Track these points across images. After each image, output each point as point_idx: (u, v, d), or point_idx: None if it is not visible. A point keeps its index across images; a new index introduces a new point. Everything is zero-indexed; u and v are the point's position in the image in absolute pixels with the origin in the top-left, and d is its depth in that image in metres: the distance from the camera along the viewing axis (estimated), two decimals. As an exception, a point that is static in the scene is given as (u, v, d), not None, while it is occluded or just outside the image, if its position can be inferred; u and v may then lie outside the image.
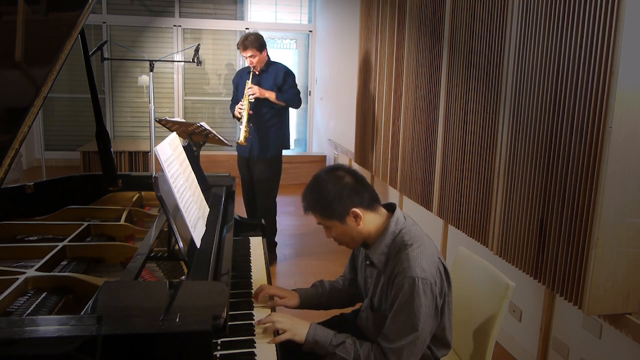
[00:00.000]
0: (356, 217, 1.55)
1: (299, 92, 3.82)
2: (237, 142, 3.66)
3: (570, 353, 2.32)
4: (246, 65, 3.79)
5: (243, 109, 3.65)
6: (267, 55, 3.79)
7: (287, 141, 3.92)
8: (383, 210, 1.63)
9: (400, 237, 1.57)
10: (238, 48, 3.71)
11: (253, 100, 3.65)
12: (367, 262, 1.67)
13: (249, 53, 3.64)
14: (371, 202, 1.59)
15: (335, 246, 4.11)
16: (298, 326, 1.54)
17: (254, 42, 3.62)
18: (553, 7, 2.13)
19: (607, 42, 1.84)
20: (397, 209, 1.63)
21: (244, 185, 3.91)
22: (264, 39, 3.73)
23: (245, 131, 3.63)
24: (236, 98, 3.87)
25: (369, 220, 1.58)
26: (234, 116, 3.80)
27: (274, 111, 3.75)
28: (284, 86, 3.75)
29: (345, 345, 1.50)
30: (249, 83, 3.68)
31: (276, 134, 3.80)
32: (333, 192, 1.54)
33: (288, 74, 3.79)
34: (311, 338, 1.52)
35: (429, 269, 1.48)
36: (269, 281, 1.90)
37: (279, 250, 4.14)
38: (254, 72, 3.72)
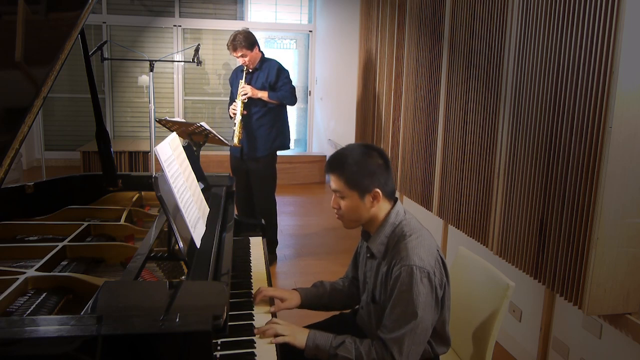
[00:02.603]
0: (375, 198, 1.57)
1: (293, 88, 3.76)
2: (232, 145, 3.64)
3: (570, 353, 2.32)
4: (240, 63, 3.76)
5: (237, 110, 3.63)
6: (261, 52, 3.74)
7: (284, 141, 3.84)
8: (392, 203, 1.65)
9: (399, 228, 1.59)
10: (228, 49, 3.67)
11: (246, 100, 3.62)
12: (368, 255, 1.68)
13: (239, 53, 3.60)
14: (391, 191, 1.62)
15: (335, 246, 4.08)
16: (298, 332, 1.54)
17: (243, 41, 3.58)
18: (553, 7, 2.13)
19: (607, 42, 1.84)
20: (398, 202, 1.65)
21: (237, 185, 3.88)
22: (254, 36, 3.67)
23: (239, 132, 3.61)
24: (233, 97, 3.86)
25: (381, 207, 1.60)
26: (230, 116, 3.79)
27: (264, 110, 3.70)
28: (277, 83, 3.70)
29: (346, 344, 1.51)
30: (242, 83, 3.65)
31: (267, 134, 3.72)
32: (367, 166, 1.56)
33: (280, 71, 3.72)
34: (311, 342, 1.53)
35: (427, 258, 1.50)
36: (269, 281, 1.90)
37: (279, 251, 4.13)
38: (247, 71, 3.69)
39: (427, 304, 1.48)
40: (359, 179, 1.56)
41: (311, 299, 1.82)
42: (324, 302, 1.85)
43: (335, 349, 1.51)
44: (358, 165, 1.56)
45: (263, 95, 3.64)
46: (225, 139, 3.43)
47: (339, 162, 1.59)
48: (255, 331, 1.52)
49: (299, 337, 1.53)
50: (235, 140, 3.61)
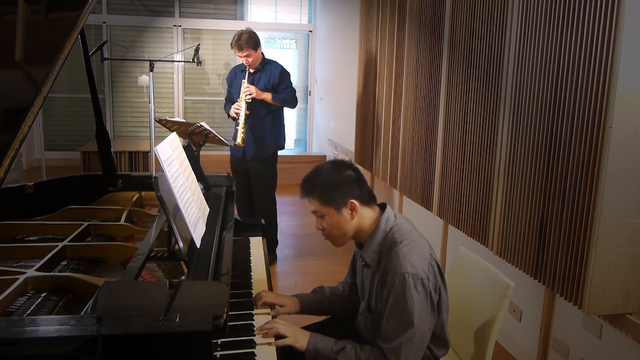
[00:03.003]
0: (353, 209, 1.56)
1: (294, 91, 3.78)
2: (235, 144, 3.63)
3: (570, 353, 2.32)
4: (239, 62, 3.75)
5: (240, 109, 3.63)
6: (262, 53, 3.77)
7: (283, 141, 3.89)
8: (377, 209, 1.64)
9: (390, 234, 1.58)
10: (232, 48, 3.67)
11: (250, 100, 3.63)
12: (363, 264, 1.67)
13: (244, 53, 3.61)
14: (369, 198, 1.61)
15: (334, 246, 4.07)
16: (299, 335, 1.54)
17: (249, 41, 3.58)
18: (553, 7, 2.13)
19: (607, 42, 1.84)
20: (388, 208, 1.64)
21: (237, 185, 3.89)
22: (257, 35, 3.69)
23: (243, 132, 3.61)
24: (230, 97, 3.85)
25: (364, 216, 1.59)
26: (228, 116, 3.77)
27: (267, 111, 3.72)
28: (280, 86, 3.71)
29: (346, 350, 1.50)
30: (245, 82, 3.64)
31: (271, 134, 3.76)
32: (335, 180, 1.57)
33: (283, 73, 3.74)
34: (312, 346, 1.52)
35: (420, 264, 1.48)
36: (269, 281, 1.90)
37: (279, 251, 4.13)
38: (249, 71, 3.69)
39: (423, 311, 1.47)
40: (330, 194, 1.56)
41: (310, 305, 1.81)
42: (324, 308, 1.84)
43: (335, 354, 1.50)
44: (326, 181, 1.57)
45: (267, 97, 3.65)
46: (225, 139, 3.42)
47: (308, 184, 1.60)
48: (257, 329, 1.52)
49: (300, 340, 1.52)
50: (239, 139, 3.61)
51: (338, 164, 1.62)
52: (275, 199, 3.94)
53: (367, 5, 4.74)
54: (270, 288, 1.86)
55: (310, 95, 7.72)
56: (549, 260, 2.18)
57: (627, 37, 1.78)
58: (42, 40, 1.58)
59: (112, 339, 1.07)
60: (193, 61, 4.22)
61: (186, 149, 1.89)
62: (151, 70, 4.24)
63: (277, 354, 1.43)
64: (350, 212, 1.57)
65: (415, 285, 1.45)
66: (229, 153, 3.95)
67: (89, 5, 1.54)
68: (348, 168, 1.61)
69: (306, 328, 1.65)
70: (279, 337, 1.51)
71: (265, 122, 3.72)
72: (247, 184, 3.87)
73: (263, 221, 2.42)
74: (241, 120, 3.61)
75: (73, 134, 7.26)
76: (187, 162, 1.84)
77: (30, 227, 1.95)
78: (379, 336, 1.51)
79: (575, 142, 2.01)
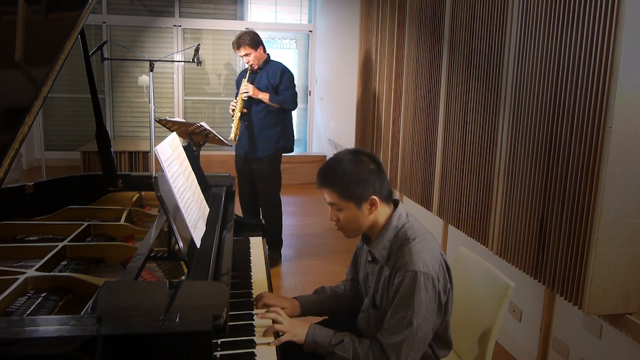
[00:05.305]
0: (372, 205, 1.53)
1: (295, 93, 3.76)
2: (229, 141, 3.64)
3: (570, 353, 2.32)
4: (242, 64, 3.78)
5: (236, 106, 3.65)
6: (266, 54, 3.76)
7: (287, 142, 3.84)
8: (392, 205, 1.62)
9: (402, 231, 1.56)
10: (233, 47, 3.70)
11: (246, 98, 3.64)
12: (369, 259, 1.66)
13: (242, 52, 3.63)
14: (388, 194, 1.58)
15: (335, 246, 4.08)
16: (297, 327, 1.53)
17: (247, 40, 3.60)
18: (553, 7, 2.13)
19: (607, 42, 1.84)
20: (400, 205, 1.62)
21: (240, 184, 3.89)
22: (260, 37, 3.70)
23: (236, 129, 3.63)
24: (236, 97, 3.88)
25: (380, 212, 1.57)
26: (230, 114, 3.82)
27: (267, 111, 3.71)
28: (279, 86, 3.70)
29: (344, 343, 1.50)
30: (244, 81, 3.68)
31: (270, 135, 3.74)
32: (359, 175, 1.51)
33: (284, 73, 3.73)
34: (310, 338, 1.52)
35: (432, 263, 1.47)
36: (269, 281, 1.90)
37: (279, 251, 4.13)
38: (251, 70, 3.71)
39: (429, 311, 1.46)
40: (353, 190, 1.51)
41: (312, 306, 1.80)
42: (325, 308, 1.83)
43: (333, 347, 1.50)
44: (349, 175, 1.51)
45: (264, 97, 3.65)
46: (226, 139, 3.43)
47: (328, 175, 1.54)
48: (259, 316, 1.53)
49: (298, 333, 1.52)
50: (232, 136, 3.64)
51: (359, 157, 1.55)
52: (279, 199, 3.92)
53: (367, 5, 4.74)
54: (270, 288, 1.86)
55: (310, 95, 7.72)
56: (549, 260, 2.18)
57: (627, 37, 1.78)
58: (42, 40, 1.58)
59: (112, 339, 1.07)
60: (193, 61, 4.23)
61: (186, 149, 1.89)
62: (151, 70, 4.25)
63: (277, 354, 1.43)
64: (369, 207, 1.54)
65: (426, 285, 1.44)
66: (229, 153, 3.98)
67: (89, 5, 1.54)
68: (370, 161, 1.55)
69: None
70: (278, 334, 1.51)
71: (265, 121, 3.72)
72: (251, 183, 3.88)
73: (264, 221, 2.42)
74: (235, 118, 3.64)
75: (73, 134, 7.26)
76: (187, 162, 1.84)
77: (30, 227, 1.95)
78: (380, 330, 1.50)
79: (575, 142, 2.01)
